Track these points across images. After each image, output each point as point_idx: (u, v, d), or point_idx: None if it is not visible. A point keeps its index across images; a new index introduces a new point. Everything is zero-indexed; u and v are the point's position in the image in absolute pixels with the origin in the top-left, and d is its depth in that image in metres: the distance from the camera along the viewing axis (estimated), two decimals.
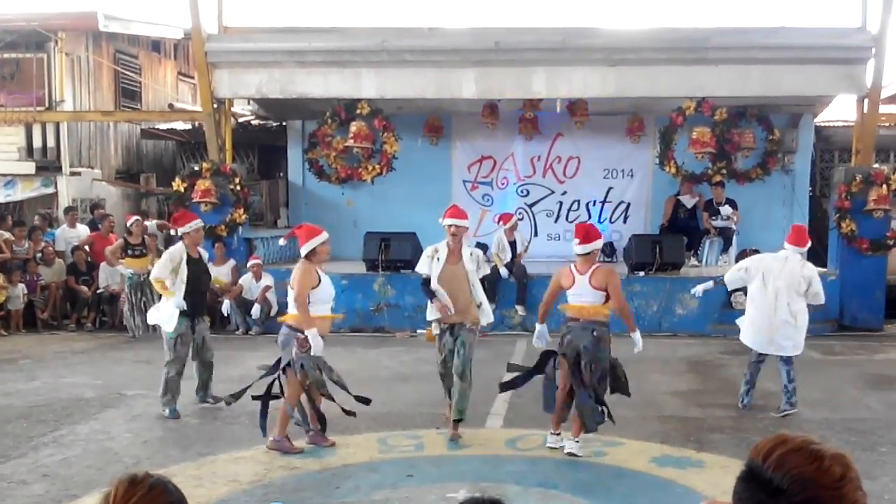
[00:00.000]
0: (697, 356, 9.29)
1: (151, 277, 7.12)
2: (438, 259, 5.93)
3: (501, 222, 11.18)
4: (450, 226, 5.91)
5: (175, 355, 6.76)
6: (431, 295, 5.92)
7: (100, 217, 12.54)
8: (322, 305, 5.75)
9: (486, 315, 6.07)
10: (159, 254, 11.42)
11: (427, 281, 5.97)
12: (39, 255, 11.57)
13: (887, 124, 12.55)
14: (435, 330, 6.14)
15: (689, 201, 12.34)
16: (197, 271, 6.84)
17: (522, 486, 5.09)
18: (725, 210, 11.87)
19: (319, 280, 5.76)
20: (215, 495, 4.91)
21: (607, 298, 5.50)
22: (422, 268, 6.05)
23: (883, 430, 6.27)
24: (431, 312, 6.05)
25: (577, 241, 5.61)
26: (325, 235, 5.95)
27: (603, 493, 4.96)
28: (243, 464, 5.52)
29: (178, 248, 6.87)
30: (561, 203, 13.43)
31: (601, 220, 13.32)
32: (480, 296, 6.00)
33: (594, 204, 13.35)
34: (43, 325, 11.33)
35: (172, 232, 7.49)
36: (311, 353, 5.58)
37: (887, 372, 8.42)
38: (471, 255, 6.02)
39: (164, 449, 5.90)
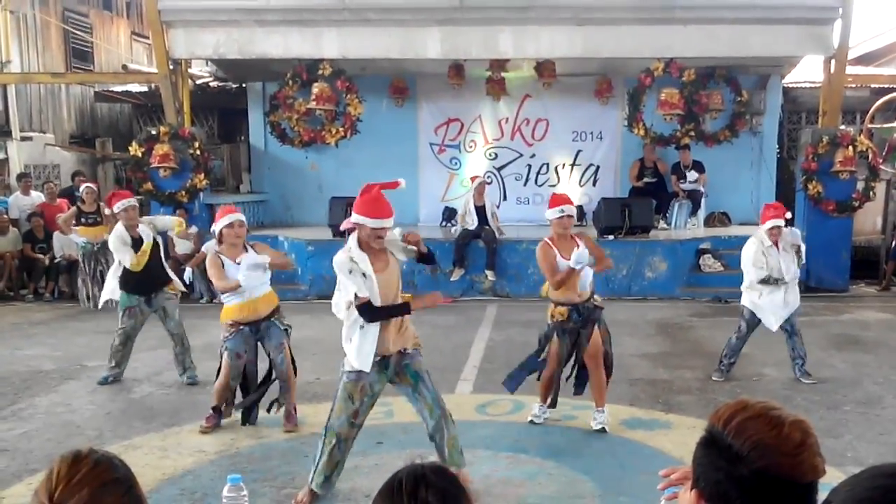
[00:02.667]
0: (666, 319, 9.34)
1: (128, 264, 6.60)
2: (365, 275, 4.04)
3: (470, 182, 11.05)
4: (375, 229, 4.05)
5: (121, 326, 6.65)
6: (380, 315, 4.08)
7: (77, 185, 12.09)
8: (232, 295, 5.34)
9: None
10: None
11: (368, 306, 4.06)
12: None
13: (854, 85, 12.62)
14: (349, 372, 4.16)
15: (651, 175, 12.28)
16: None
17: (492, 450, 5.07)
18: (691, 175, 11.88)
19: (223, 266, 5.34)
20: (181, 466, 4.82)
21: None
22: (352, 290, 4.06)
23: (847, 389, 6.35)
24: (359, 354, 4.11)
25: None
26: (229, 217, 5.33)
27: (572, 456, 4.96)
28: (209, 434, 5.42)
29: (119, 231, 6.57)
30: (530, 166, 13.31)
31: (570, 182, 13.26)
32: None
33: (563, 167, 13.27)
34: None
35: (107, 211, 7.14)
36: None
37: (852, 332, 8.55)
38: (396, 247, 4.25)
39: (127, 421, 5.76)
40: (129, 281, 6.55)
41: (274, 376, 5.53)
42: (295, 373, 5.62)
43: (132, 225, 6.54)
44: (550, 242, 5.33)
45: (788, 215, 6.58)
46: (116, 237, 6.56)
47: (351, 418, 4.14)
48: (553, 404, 5.50)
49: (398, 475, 1.52)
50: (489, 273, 10.75)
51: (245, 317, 5.37)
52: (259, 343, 5.53)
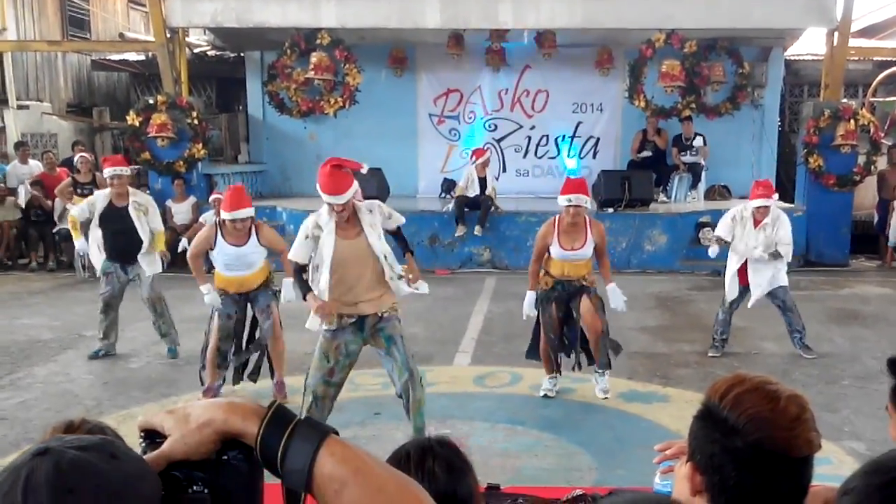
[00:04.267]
0: (665, 292, 9.33)
1: (69, 216, 6.80)
2: (320, 236, 4.18)
3: (475, 157, 10.94)
4: (330, 204, 4.08)
5: (101, 293, 6.56)
6: (305, 288, 4.23)
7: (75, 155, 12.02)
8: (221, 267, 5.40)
9: (418, 286, 4.46)
10: None
11: (299, 269, 4.29)
12: None
13: (856, 58, 12.49)
14: (322, 324, 4.25)
15: (651, 149, 12.16)
16: (114, 221, 6.37)
17: (490, 422, 5.09)
18: (698, 141, 11.75)
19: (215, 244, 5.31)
20: None
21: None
22: (296, 253, 4.27)
23: (845, 364, 6.36)
24: (312, 318, 4.29)
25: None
26: (234, 214, 5.18)
27: (569, 428, 4.99)
28: None
29: (101, 195, 6.49)
30: (529, 138, 13.22)
31: (570, 155, 13.18)
32: (396, 268, 4.33)
33: (563, 139, 13.18)
34: None
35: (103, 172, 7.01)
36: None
37: (851, 307, 8.54)
38: (372, 216, 4.24)
39: (125, 390, 5.78)
40: (106, 247, 6.48)
41: (257, 338, 5.52)
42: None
43: (120, 193, 6.39)
44: (555, 224, 5.27)
45: (776, 197, 6.47)
46: (88, 200, 6.51)
47: (326, 377, 4.24)
48: (566, 368, 5.53)
49: (405, 446, 1.52)
50: (478, 229, 10.52)
51: (233, 290, 5.40)
52: (249, 305, 5.54)
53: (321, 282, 4.19)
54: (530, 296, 5.36)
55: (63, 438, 0.80)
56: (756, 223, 6.32)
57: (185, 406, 0.89)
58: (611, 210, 10.73)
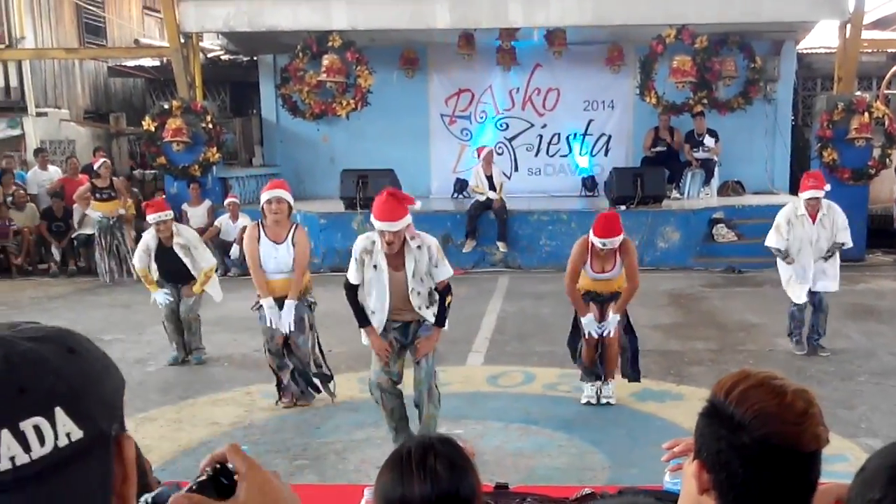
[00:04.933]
0: (679, 289, 9.29)
1: (136, 270, 6.92)
2: (376, 267, 4.31)
3: (479, 155, 11.01)
4: (382, 232, 4.17)
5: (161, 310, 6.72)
6: (362, 319, 4.43)
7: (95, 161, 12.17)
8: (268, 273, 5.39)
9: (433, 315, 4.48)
10: (133, 196, 11.21)
11: (353, 290, 4.45)
12: (10, 198, 11.26)
13: (870, 50, 12.39)
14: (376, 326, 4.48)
15: (661, 143, 12.13)
16: (166, 260, 6.52)
17: (503, 422, 5.11)
18: (708, 142, 11.71)
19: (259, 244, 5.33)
20: (196, 438, 4.90)
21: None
22: (351, 275, 4.43)
23: (861, 359, 6.32)
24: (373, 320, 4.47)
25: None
26: (267, 194, 5.27)
27: (582, 427, 5.00)
28: (223, 406, 5.51)
29: (150, 236, 6.57)
30: (541, 136, 13.21)
31: (582, 152, 13.18)
32: (425, 310, 4.44)
33: (574, 137, 13.17)
34: (18, 271, 11.11)
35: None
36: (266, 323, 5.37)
37: (867, 302, 8.48)
38: (420, 253, 4.29)
39: (143, 393, 5.85)
40: (160, 274, 6.63)
41: (299, 358, 5.51)
42: (312, 349, 5.66)
43: (166, 237, 6.50)
44: (588, 248, 5.19)
45: (828, 187, 6.40)
46: (142, 246, 6.60)
47: (384, 368, 4.44)
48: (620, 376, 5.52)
49: (406, 444, 1.54)
50: (500, 245, 10.72)
51: (263, 294, 5.39)
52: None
53: (378, 310, 4.40)
54: (589, 319, 5.25)
55: (17, 326, 0.69)
56: (812, 218, 6.32)
57: (278, 480, 0.82)
58: (623, 207, 10.69)
